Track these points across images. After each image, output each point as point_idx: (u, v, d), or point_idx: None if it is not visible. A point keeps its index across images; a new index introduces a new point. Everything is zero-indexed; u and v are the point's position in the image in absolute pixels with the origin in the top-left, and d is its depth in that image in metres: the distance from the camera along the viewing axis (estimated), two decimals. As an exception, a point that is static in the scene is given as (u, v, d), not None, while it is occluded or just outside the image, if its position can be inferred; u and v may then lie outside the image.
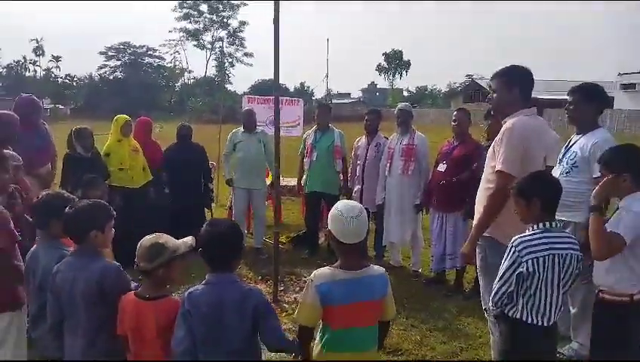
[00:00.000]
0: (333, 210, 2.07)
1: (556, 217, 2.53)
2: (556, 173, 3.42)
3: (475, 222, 2.90)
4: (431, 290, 4.82)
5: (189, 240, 2.22)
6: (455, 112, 4.88)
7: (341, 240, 2.02)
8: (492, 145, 2.81)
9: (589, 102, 3.27)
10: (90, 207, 2.32)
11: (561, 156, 3.42)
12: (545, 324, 2.27)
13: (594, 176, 3.09)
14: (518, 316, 2.30)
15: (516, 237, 2.29)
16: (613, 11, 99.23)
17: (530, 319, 2.27)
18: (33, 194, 3.33)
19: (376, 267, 2.15)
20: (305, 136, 6.02)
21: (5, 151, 3.30)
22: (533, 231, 2.28)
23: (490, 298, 2.38)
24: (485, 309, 2.87)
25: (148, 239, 2.11)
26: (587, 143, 3.20)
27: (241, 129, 5.89)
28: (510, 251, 2.27)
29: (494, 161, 2.72)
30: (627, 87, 39.30)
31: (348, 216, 1.99)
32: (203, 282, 2.05)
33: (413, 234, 5.27)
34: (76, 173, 4.02)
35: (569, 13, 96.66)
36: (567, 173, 3.30)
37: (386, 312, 2.17)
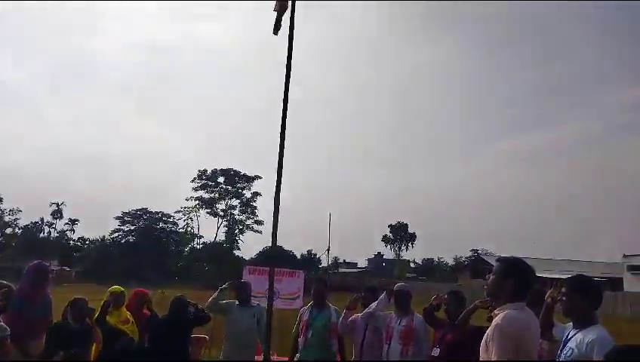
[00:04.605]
0: None
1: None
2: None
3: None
4: None
5: None
6: (446, 295, 4.80)
7: None
8: (484, 338, 2.72)
9: (581, 298, 3.20)
10: None
11: (559, 351, 3.27)
12: None
13: None
14: None
15: None
16: (615, 193, 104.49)
17: None
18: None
19: None
20: (301, 311, 5.87)
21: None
22: None
23: None
24: None
25: None
26: (583, 341, 3.04)
27: (237, 302, 5.78)
28: None
29: (487, 355, 2.61)
30: (635, 268, 39.12)
31: None
32: None
33: None
34: (57, 341, 3.89)
35: (571, 195, 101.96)
36: (565, 370, 3.10)
37: None
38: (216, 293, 5.75)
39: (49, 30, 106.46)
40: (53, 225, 67.36)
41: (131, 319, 5.28)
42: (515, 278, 2.73)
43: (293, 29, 4.90)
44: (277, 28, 5.08)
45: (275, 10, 5.05)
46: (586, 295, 3.21)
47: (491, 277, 2.84)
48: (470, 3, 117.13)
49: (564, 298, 3.28)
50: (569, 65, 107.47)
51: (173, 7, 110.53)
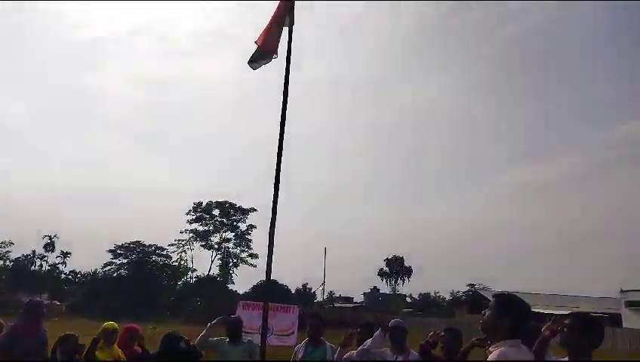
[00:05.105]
0: None
1: None
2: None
3: None
4: None
5: None
6: (442, 332, 4.74)
7: None
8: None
9: (582, 334, 3.20)
10: None
11: None
12: None
13: None
14: None
15: None
16: (611, 227, 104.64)
17: None
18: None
19: None
20: (295, 349, 5.76)
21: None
22: None
23: None
24: None
25: None
26: None
27: (227, 338, 5.67)
28: None
29: (482, 393, 2.57)
30: (633, 304, 38.76)
31: None
32: None
33: None
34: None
35: (569, 229, 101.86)
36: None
37: None
38: (205, 330, 5.64)
39: (50, 66, 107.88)
40: (45, 258, 66.49)
41: (123, 356, 5.17)
42: (511, 315, 2.72)
43: (289, 66, 5.02)
44: (252, 60, 5.16)
45: (255, 43, 5.12)
46: (587, 331, 3.21)
47: (487, 313, 2.83)
48: (465, 42, 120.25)
49: (565, 329, 3.26)
50: (564, 101, 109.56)
51: (173, 44, 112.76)
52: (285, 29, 5.20)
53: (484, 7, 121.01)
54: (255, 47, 5.15)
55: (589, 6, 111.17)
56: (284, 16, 5.18)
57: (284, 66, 5.02)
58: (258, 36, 5.17)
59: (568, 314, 3.36)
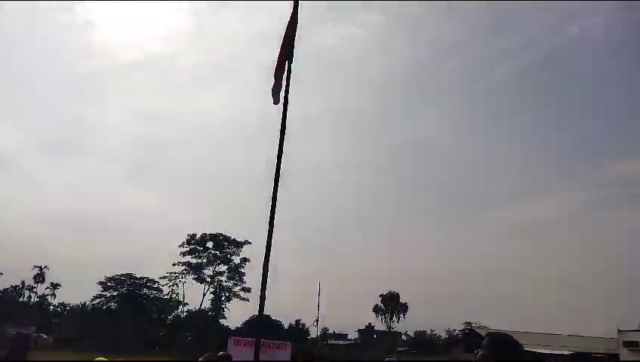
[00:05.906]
0: None
1: None
2: None
3: None
4: None
5: None
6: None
7: None
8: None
9: None
10: None
11: None
12: None
13: None
14: None
15: None
16: (608, 266, 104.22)
17: None
18: None
19: None
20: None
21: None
22: None
23: None
24: None
25: None
26: None
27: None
28: None
29: None
30: (630, 344, 38.23)
31: None
32: None
33: None
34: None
35: (566, 268, 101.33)
36: None
37: None
38: None
39: (50, 97, 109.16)
40: (34, 289, 65.27)
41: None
42: (503, 354, 2.71)
43: (287, 102, 5.10)
44: (274, 96, 5.25)
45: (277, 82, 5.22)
46: None
47: (480, 352, 2.80)
48: (462, 80, 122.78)
49: None
50: (560, 139, 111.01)
51: (172, 77, 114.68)
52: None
53: (481, 45, 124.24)
54: (269, 86, 5.24)
55: (587, 45, 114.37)
56: (287, 46, 5.27)
57: (283, 100, 5.11)
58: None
59: (569, 356, 3.32)
